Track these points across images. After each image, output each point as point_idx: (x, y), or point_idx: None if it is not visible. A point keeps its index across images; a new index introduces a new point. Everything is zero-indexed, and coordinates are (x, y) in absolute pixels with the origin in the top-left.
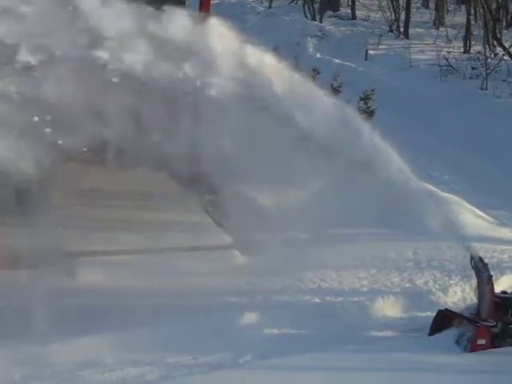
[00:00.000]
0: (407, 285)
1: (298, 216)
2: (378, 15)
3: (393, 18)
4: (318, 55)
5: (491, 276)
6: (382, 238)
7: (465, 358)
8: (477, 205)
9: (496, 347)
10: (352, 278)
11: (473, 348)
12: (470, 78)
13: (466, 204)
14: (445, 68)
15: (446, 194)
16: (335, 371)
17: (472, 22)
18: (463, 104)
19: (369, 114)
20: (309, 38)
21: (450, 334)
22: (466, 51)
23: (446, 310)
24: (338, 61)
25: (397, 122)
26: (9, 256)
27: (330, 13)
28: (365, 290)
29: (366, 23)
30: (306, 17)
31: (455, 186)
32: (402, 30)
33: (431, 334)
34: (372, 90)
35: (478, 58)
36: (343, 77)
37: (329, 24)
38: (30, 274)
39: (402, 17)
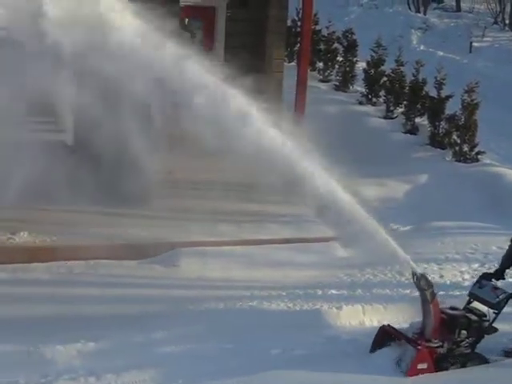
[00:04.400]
0: (511, 279)
1: (399, 208)
2: (482, 7)
3: (498, 9)
4: (422, 47)
5: (435, 293)
6: (484, 232)
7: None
8: None
9: (441, 370)
10: (454, 271)
11: (412, 372)
12: None
13: None
14: None
15: None
16: None
17: None
18: None
19: (473, 106)
20: (412, 31)
21: (391, 354)
22: None
23: (388, 326)
24: (441, 53)
25: (501, 116)
26: (115, 246)
27: (434, 5)
28: (466, 284)
29: (470, 15)
30: (409, 9)
31: None
32: (507, 22)
33: (372, 350)
34: (476, 83)
35: None
36: (447, 69)
37: (433, 16)
38: (135, 263)
39: (508, 9)
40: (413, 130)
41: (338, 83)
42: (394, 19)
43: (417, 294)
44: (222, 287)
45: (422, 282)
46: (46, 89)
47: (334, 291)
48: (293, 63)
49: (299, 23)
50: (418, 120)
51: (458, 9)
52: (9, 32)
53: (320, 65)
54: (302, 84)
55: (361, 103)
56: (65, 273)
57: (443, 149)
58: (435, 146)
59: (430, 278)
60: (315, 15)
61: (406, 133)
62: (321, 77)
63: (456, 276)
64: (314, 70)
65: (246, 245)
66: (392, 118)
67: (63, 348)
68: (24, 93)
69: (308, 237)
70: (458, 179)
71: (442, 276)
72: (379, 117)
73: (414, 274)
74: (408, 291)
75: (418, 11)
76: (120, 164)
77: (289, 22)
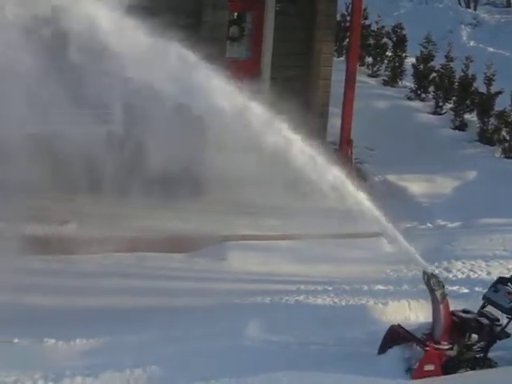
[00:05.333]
0: None
1: (447, 204)
2: None
3: None
4: (472, 43)
5: (446, 294)
6: None
7: None
8: None
9: (449, 373)
10: (501, 268)
11: (418, 374)
12: None
13: None
14: None
15: None
16: None
17: None
18: None
19: None
20: (462, 26)
21: (400, 355)
22: None
23: (398, 325)
24: (491, 49)
25: None
26: (163, 239)
27: (484, 0)
28: None
29: None
30: (459, 4)
31: None
32: None
33: (380, 352)
34: None
35: None
36: (497, 65)
37: (483, 12)
38: (182, 256)
39: None
40: (462, 126)
41: (386, 78)
42: (443, 14)
43: (464, 290)
44: (268, 281)
45: (432, 282)
46: (99, 81)
47: (380, 286)
48: (342, 58)
49: (348, 18)
50: (466, 116)
51: (509, 4)
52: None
53: (369, 60)
54: (350, 79)
55: (410, 98)
56: (112, 265)
57: (492, 145)
58: (484, 143)
59: (441, 279)
60: (365, 10)
61: (454, 129)
62: (369, 72)
63: (503, 273)
64: (363, 65)
65: (293, 239)
66: (441, 114)
67: (109, 339)
68: (76, 84)
69: (355, 232)
70: (506, 176)
71: (489, 273)
72: (428, 112)
73: (424, 273)
74: (455, 288)
75: (468, 6)
76: (170, 157)
77: (338, 17)
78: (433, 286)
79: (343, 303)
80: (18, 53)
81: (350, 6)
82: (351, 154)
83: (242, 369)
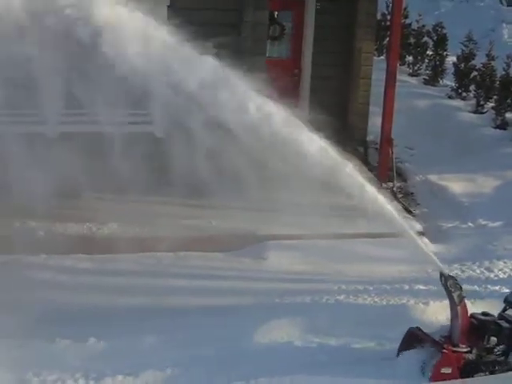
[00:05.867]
0: None
1: (488, 204)
2: None
3: None
4: None
5: (463, 296)
6: None
7: None
8: None
9: (467, 376)
10: None
11: (435, 377)
12: None
13: None
14: None
15: None
16: None
17: None
18: None
19: None
20: (504, 25)
21: (418, 357)
22: None
23: (417, 328)
24: None
25: None
26: (203, 237)
27: None
28: None
29: None
30: (501, 3)
31: None
32: None
33: (398, 354)
34: None
35: None
36: None
37: None
38: (223, 255)
39: None
40: (503, 125)
41: (427, 77)
42: (485, 13)
43: (506, 290)
44: (308, 281)
45: (449, 284)
46: (138, 81)
47: (421, 286)
48: (382, 57)
49: (389, 17)
50: (508, 115)
51: None
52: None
53: (409, 59)
54: (391, 78)
55: (450, 97)
56: (153, 264)
57: None
58: None
59: (458, 280)
60: (405, 9)
61: (495, 128)
62: (410, 71)
63: None
64: (404, 64)
65: (334, 238)
66: (482, 113)
67: (150, 338)
68: (116, 85)
69: (396, 231)
70: None
71: None
72: (469, 111)
73: (441, 274)
74: (497, 287)
75: (509, 5)
76: (209, 157)
77: (378, 16)
78: (450, 287)
79: (384, 303)
80: (63, 53)
81: (391, 4)
82: (392, 153)
83: (282, 369)
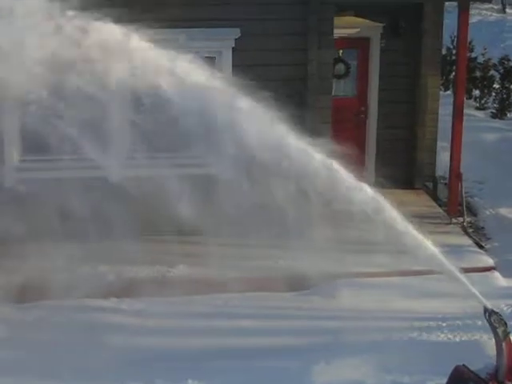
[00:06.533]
0: None
1: None
2: None
3: None
4: None
5: (508, 332)
6: None
7: None
8: None
9: None
10: None
11: None
12: None
13: None
14: None
15: None
16: None
17: None
18: None
19: None
20: None
21: None
22: None
23: (463, 366)
24: None
25: None
26: (271, 277)
27: None
28: None
29: None
30: None
31: None
32: None
33: None
34: None
35: None
36: None
37: None
38: (292, 295)
39: None
40: None
41: (494, 111)
42: None
43: None
44: (380, 318)
45: (493, 320)
46: (196, 123)
47: None
48: (448, 92)
49: (454, 51)
50: None
51: None
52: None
53: (476, 92)
54: (458, 112)
55: None
56: (221, 305)
57: None
58: None
59: (502, 316)
60: (470, 42)
61: None
62: (477, 105)
63: None
64: (470, 98)
65: (404, 275)
66: None
67: (222, 380)
68: (173, 128)
69: (467, 266)
70: None
71: None
72: None
73: (485, 310)
74: None
75: None
76: (273, 198)
77: (443, 51)
78: (494, 323)
79: (457, 339)
80: (122, 100)
81: (456, 39)
82: (461, 187)
83: None
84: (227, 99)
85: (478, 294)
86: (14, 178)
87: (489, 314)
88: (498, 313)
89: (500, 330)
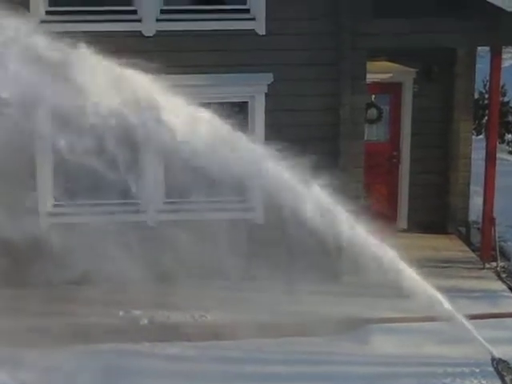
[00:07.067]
0: None
1: None
2: None
3: None
4: None
5: None
6: None
7: None
8: None
9: None
10: None
11: None
12: None
13: None
14: None
15: None
16: None
17: None
18: None
19: None
20: None
21: None
22: None
23: None
24: None
25: None
26: (304, 322)
27: None
28: None
29: None
30: None
31: None
32: None
33: None
34: None
35: None
36: None
37: None
38: (324, 340)
39: None
40: None
41: None
42: None
43: None
44: (413, 364)
45: (500, 367)
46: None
47: None
48: (481, 136)
49: (486, 95)
50: None
51: None
52: None
53: (508, 137)
54: (491, 156)
55: None
56: (253, 350)
57: None
58: None
59: (510, 364)
60: (502, 87)
61: None
62: (510, 149)
63: None
64: (503, 142)
65: (435, 321)
66: None
67: None
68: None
69: (503, 312)
70: None
71: None
72: None
73: (492, 358)
74: None
75: None
76: (310, 241)
77: (476, 95)
78: (502, 371)
79: None
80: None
81: (488, 83)
82: (494, 232)
83: None
84: (258, 157)
85: (484, 342)
86: (47, 222)
87: (496, 362)
88: (506, 361)
89: (508, 379)
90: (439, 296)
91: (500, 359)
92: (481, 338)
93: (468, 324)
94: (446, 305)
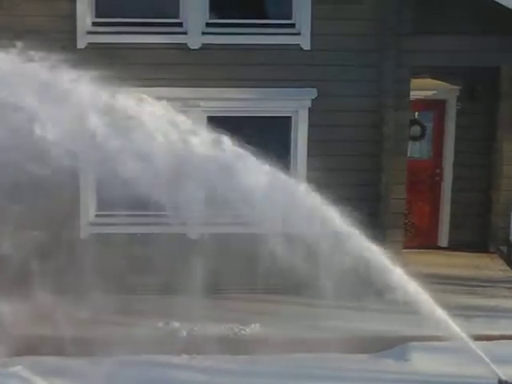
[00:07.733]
0: None
1: None
2: None
3: None
4: None
5: None
6: None
7: None
8: None
9: None
10: None
11: None
12: None
13: None
14: None
15: None
16: None
17: None
18: None
19: None
20: None
21: None
22: None
23: None
24: None
25: None
26: (345, 339)
27: None
28: None
29: None
30: None
31: None
32: None
33: None
34: None
35: None
36: None
37: None
38: (366, 357)
39: None
40: None
41: None
42: None
43: None
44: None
45: None
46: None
47: None
48: None
49: None
50: None
51: None
52: None
53: None
54: None
55: None
56: (293, 366)
57: None
58: None
59: None
60: None
61: None
62: None
63: None
64: None
65: (478, 340)
66: None
67: None
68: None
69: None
70: None
71: None
72: None
73: (499, 381)
74: None
75: None
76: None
77: None
78: None
79: None
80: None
81: None
82: None
83: None
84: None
85: (491, 363)
86: (89, 231)
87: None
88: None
89: None
90: (446, 316)
91: (507, 382)
92: (487, 359)
93: (472, 345)
94: (453, 326)
